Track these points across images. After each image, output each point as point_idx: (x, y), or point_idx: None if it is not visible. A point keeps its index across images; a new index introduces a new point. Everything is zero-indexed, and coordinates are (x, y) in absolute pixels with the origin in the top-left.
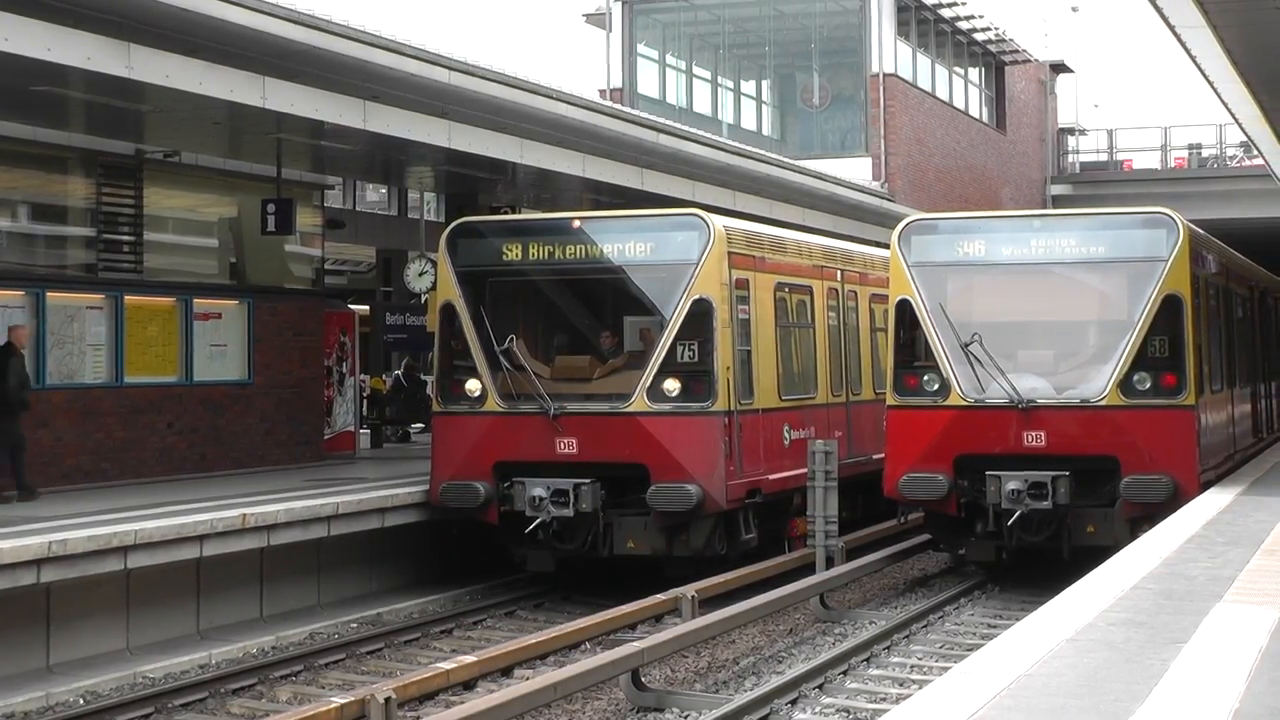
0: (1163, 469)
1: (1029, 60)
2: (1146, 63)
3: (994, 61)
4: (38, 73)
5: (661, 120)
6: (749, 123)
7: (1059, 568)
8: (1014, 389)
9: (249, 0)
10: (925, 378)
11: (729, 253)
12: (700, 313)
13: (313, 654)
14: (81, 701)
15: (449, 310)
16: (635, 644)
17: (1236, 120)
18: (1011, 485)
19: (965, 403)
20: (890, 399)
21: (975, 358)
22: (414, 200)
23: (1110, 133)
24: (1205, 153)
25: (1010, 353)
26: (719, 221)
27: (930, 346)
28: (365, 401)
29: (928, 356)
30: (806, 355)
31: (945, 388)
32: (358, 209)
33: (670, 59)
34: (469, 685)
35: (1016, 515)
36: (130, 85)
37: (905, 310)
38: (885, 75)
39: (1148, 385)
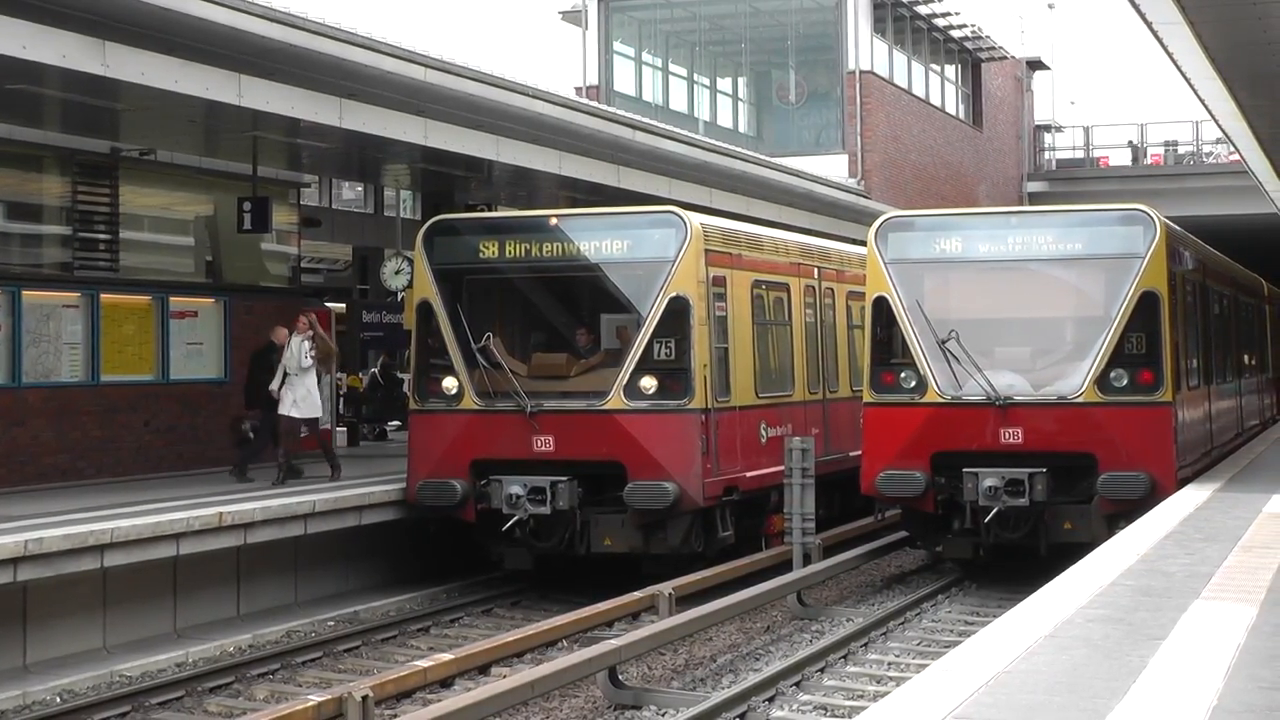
0: (1140, 466)
1: (1005, 57)
2: (1123, 60)
3: (970, 58)
4: (13, 71)
5: (638, 118)
6: (725, 120)
7: (1036, 565)
8: (991, 386)
9: None
10: (902, 375)
11: (706, 250)
12: (677, 310)
13: (290, 652)
14: (58, 700)
15: (426, 308)
16: (612, 641)
17: (1213, 117)
18: (989, 482)
19: (942, 400)
20: (867, 396)
21: (952, 355)
22: (390, 198)
23: (1086, 130)
24: (1181, 149)
25: (987, 350)
26: (696, 219)
27: (907, 344)
28: (342, 400)
29: (905, 354)
30: (783, 353)
31: (922, 385)
32: (334, 207)
33: (647, 56)
34: (446, 683)
35: (994, 512)
36: (106, 83)
37: (882, 307)
38: (861, 72)
39: (1125, 382)
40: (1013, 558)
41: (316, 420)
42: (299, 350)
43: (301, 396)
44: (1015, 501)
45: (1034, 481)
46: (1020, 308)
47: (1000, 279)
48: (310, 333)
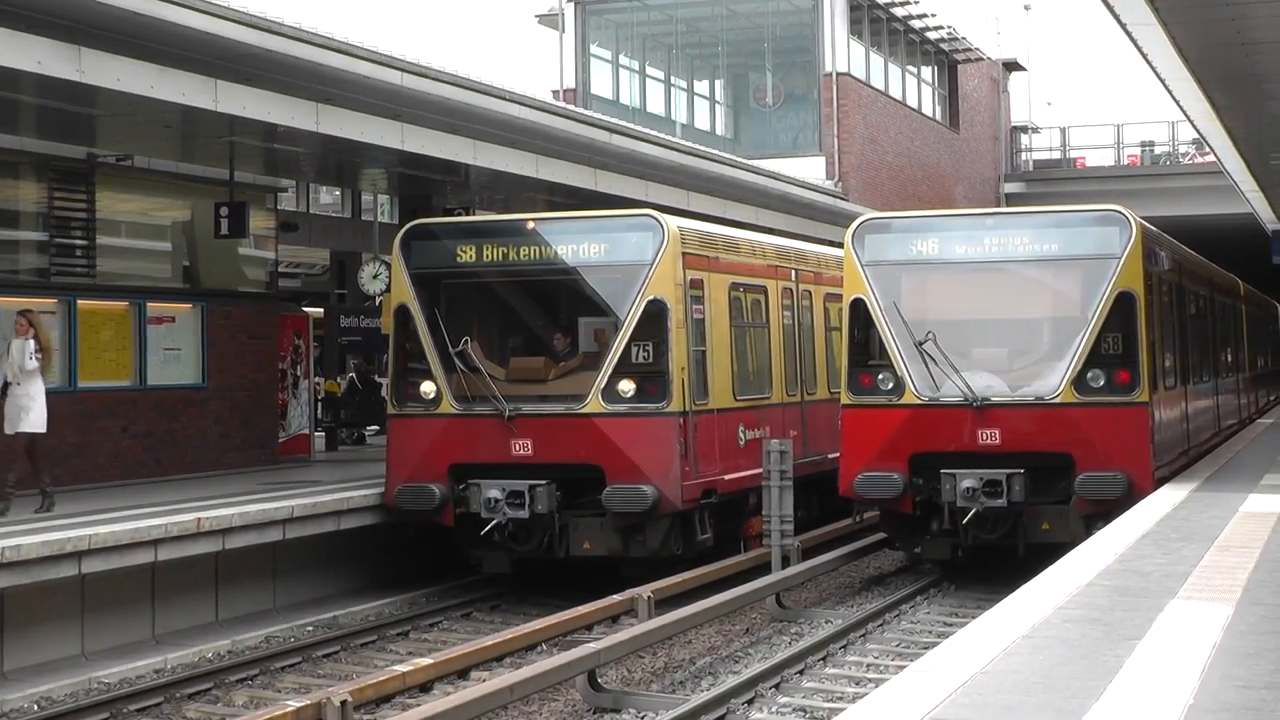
0: (1117, 466)
1: (982, 59)
2: (1099, 60)
3: (947, 60)
4: None
5: (615, 121)
6: (702, 123)
7: (1014, 565)
8: (968, 387)
9: (200, 3)
10: (880, 377)
11: (683, 253)
12: (655, 313)
13: (269, 658)
14: (36, 708)
15: (403, 312)
16: (592, 645)
17: (1188, 117)
18: (966, 483)
19: (920, 401)
20: (845, 398)
21: (929, 356)
22: (367, 202)
23: (1063, 130)
24: (1158, 150)
25: (964, 351)
26: (673, 222)
27: (885, 345)
28: (320, 404)
29: (882, 355)
30: (761, 355)
31: (900, 386)
32: (311, 211)
33: (623, 59)
34: (425, 687)
35: (972, 513)
36: (82, 89)
37: (859, 309)
38: (838, 74)
39: (1101, 382)
40: (991, 558)
41: (39, 435)
42: (21, 353)
43: (25, 407)
44: (993, 502)
45: (1012, 482)
46: (997, 309)
47: (977, 280)
48: (32, 332)
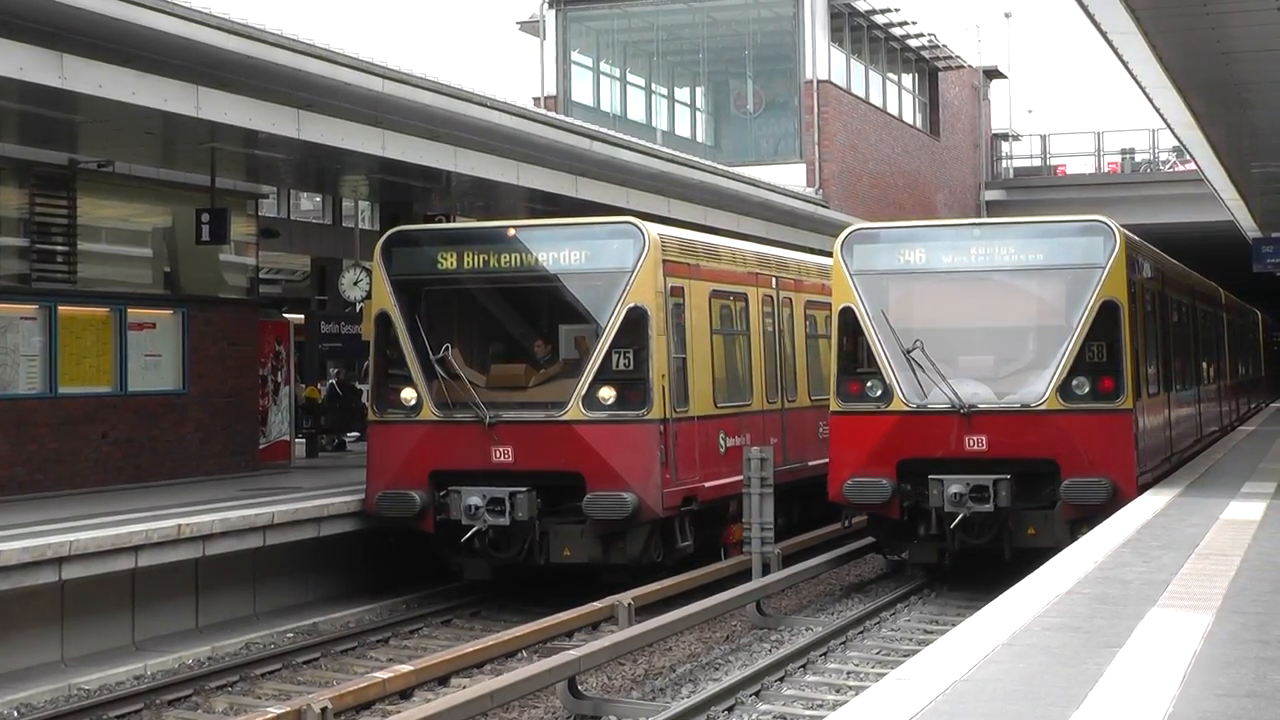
0: (1102, 472)
1: (962, 66)
2: (1079, 68)
3: (927, 67)
4: None
5: (595, 128)
6: (683, 129)
7: (998, 569)
8: (955, 394)
9: (182, 10)
10: (868, 384)
11: (664, 260)
12: (635, 320)
13: (249, 664)
14: (15, 714)
15: (384, 319)
16: (572, 652)
17: (1169, 126)
18: (954, 489)
19: (907, 408)
20: (834, 405)
21: (917, 364)
22: (348, 209)
23: (1043, 138)
24: (1138, 158)
25: (951, 359)
26: (654, 229)
27: (873, 353)
28: (300, 410)
29: (870, 363)
30: (742, 362)
31: (888, 394)
32: (292, 218)
33: (604, 66)
34: (406, 694)
35: (959, 518)
36: (63, 95)
37: (848, 317)
38: (819, 81)
39: (1086, 390)
40: (976, 563)
41: None
42: None
43: None
44: (980, 507)
45: (998, 488)
46: (984, 317)
47: (964, 289)
48: None
